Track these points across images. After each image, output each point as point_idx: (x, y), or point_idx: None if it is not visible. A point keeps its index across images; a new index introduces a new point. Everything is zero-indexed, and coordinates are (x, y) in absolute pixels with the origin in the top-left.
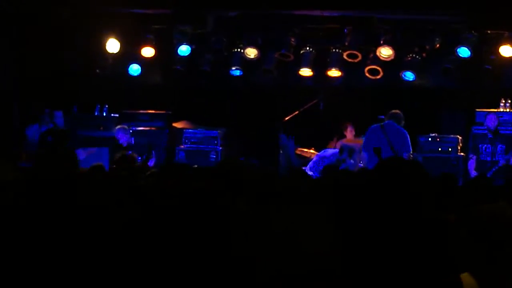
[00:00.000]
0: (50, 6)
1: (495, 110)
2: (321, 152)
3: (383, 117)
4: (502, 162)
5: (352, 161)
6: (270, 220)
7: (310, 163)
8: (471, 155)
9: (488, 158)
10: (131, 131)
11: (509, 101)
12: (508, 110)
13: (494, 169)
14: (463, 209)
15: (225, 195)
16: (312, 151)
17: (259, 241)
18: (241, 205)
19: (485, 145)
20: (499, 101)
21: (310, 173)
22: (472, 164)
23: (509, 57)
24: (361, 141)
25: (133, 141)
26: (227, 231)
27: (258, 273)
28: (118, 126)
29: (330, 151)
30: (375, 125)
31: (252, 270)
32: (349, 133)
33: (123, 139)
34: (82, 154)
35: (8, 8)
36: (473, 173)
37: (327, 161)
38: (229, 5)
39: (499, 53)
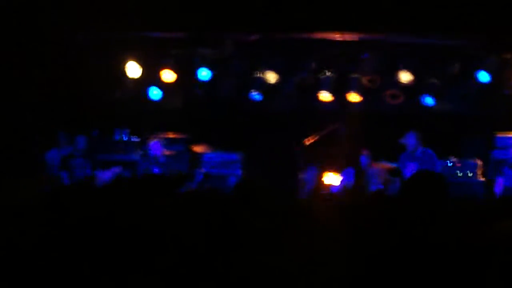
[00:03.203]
0: (70, 31)
1: None
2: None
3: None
4: None
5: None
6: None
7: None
8: (498, 180)
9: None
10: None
11: None
12: None
13: None
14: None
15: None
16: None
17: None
18: (257, 223)
19: (508, 171)
20: None
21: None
22: (499, 189)
23: None
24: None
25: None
26: (242, 246)
27: None
28: (153, 138)
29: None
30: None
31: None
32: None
33: (156, 152)
34: (107, 174)
35: (31, 32)
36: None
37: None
38: (248, 29)
39: None
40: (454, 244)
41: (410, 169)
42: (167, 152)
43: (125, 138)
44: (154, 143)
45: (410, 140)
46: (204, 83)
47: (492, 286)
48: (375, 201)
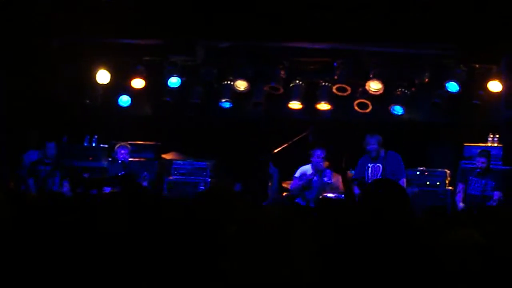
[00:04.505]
0: (40, 37)
1: (483, 144)
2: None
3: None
4: (493, 200)
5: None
6: (257, 244)
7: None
8: (459, 188)
9: (478, 193)
10: (129, 148)
11: (497, 136)
12: (496, 144)
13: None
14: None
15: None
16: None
17: (246, 263)
18: (229, 230)
19: (474, 179)
20: (487, 136)
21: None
22: (459, 197)
23: (497, 92)
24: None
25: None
26: (215, 254)
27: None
28: (120, 144)
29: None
30: None
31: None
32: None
33: (124, 156)
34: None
35: (4, 35)
36: (460, 205)
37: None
38: (219, 37)
39: (487, 88)
40: (411, 250)
41: (374, 172)
42: (136, 159)
43: (94, 144)
44: (120, 148)
45: (371, 143)
46: (173, 90)
47: None
48: (336, 208)
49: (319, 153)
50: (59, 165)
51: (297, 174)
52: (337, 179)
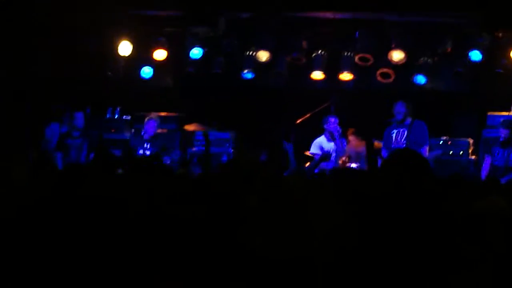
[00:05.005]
0: (62, 9)
1: (507, 113)
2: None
3: (392, 120)
4: None
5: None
6: (277, 216)
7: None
8: (485, 160)
9: (501, 164)
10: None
11: None
12: None
13: (509, 176)
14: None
15: (236, 192)
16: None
17: (267, 234)
18: (251, 201)
19: (497, 149)
20: (511, 104)
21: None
22: (485, 168)
23: None
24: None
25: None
26: (236, 225)
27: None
28: (150, 116)
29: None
30: None
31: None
32: (353, 139)
33: (152, 129)
34: None
35: (23, 12)
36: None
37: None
38: (241, 7)
39: (510, 56)
40: (433, 220)
41: (399, 137)
42: (159, 131)
43: (116, 117)
44: (149, 120)
45: (399, 108)
46: (195, 61)
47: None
48: (357, 178)
49: (333, 119)
50: (88, 137)
51: (315, 147)
52: (362, 149)
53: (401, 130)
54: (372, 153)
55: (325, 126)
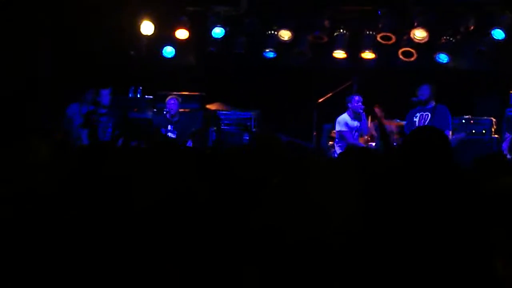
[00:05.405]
0: None
1: None
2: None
3: (415, 99)
4: None
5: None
6: (300, 193)
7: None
8: (506, 136)
9: None
10: (180, 100)
11: None
12: None
13: None
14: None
15: (259, 170)
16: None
17: (289, 212)
18: (274, 180)
19: None
20: None
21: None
22: (506, 146)
23: None
24: (392, 123)
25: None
26: (259, 203)
27: (288, 239)
28: (171, 95)
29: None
30: None
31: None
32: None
33: (172, 107)
34: None
35: None
36: (509, 156)
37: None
38: None
39: None
40: (456, 199)
41: (422, 120)
42: (181, 110)
43: (138, 96)
44: (170, 99)
45: (424, 91)
46: (217, 40)
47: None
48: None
49: (357, 98)
50: (114, 114)
51: (340, 125)
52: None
53: (425, 114)
54: (385, 133)
55: (348, 105)
